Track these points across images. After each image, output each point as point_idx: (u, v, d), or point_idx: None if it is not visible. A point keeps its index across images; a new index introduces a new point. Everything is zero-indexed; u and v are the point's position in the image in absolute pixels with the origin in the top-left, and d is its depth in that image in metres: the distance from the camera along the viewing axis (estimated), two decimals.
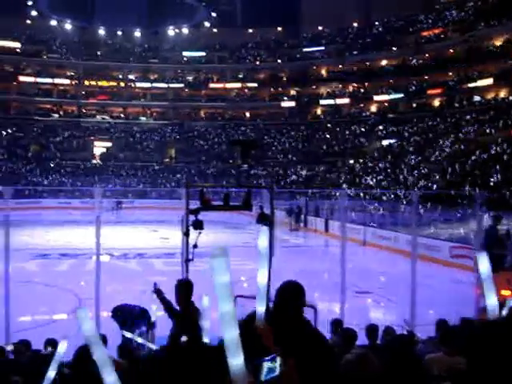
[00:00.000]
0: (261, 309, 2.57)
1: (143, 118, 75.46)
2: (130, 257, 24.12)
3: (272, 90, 74.50)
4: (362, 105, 68.08)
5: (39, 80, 73.11)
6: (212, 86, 76.60)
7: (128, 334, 6.47)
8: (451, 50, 58.58)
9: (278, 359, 2.38)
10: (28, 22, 74.80)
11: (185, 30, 79.09)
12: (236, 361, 2.05)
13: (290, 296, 3.17)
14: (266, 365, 2.41)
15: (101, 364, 2.26)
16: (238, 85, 75.98)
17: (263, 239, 2.58)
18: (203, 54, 77.49)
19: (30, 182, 58.00)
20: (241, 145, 10.30)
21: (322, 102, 71.00)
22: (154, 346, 5.06)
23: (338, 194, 37.99)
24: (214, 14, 79.38)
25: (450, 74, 58.39)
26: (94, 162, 67.38)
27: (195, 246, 8.66)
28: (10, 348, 5.68)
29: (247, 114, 75.57)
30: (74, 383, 3.54)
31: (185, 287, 6.18)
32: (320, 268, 22.89)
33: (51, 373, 3.47)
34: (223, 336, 2.06)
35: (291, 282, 3.31)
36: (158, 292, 6.45)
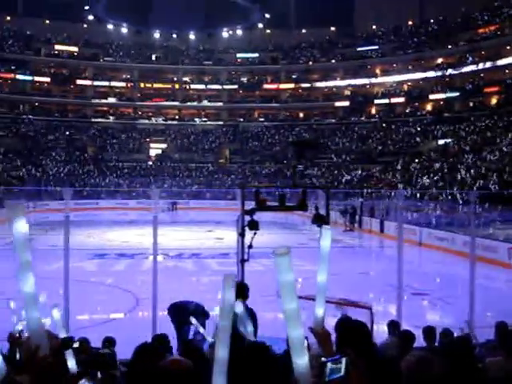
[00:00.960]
0: (320, 311, 2.55)
1: (198, 120, 76.06)
2: (185, 257, 24.32)
3: (326, 90, 74.15)
4: (417, 104, 67.12)
5: (96, 83, 74.53)
6: (266, 86, 76.71)
7: (193, 320, 6.45)
8: (508, 47, 57.20)
9: (344, 360, 2.36)
10: (85, 26, 76.36)
11: (239, 32, 79.44)
12: (301, 360, 2.04)
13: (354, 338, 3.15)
14: (330, 365, 2.39)
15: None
16: (292, 85, 75.88)
17: (326, 240, 2.55)
18: (257, 55, 77.68)
19: (87, 184, 59.06)
20: (302, 146, 10.27)
21: (377, 101, 70.30)
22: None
23: (393, 194, 37.60)
24: (267, 16, 79.46)
25: (507, 71, 57.05)
26: (150, 163, 68.21)
27: (250, 247, 8.66)
28: (76, 345, 5.77)
29: (301, 115, 75.43)
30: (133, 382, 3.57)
31: (239, 288, 6.20)
32: (375, 269, 22.68)
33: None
34: (288, 334, 2.05)
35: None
36: None
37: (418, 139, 61.07)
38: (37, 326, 2.10)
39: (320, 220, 9.17)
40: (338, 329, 3.30)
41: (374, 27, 73.55)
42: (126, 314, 14.63)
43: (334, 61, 73.93)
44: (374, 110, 70.88)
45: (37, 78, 72.09)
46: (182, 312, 8.96)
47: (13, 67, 70.18)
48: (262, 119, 75.79)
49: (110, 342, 7.55)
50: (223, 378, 2.02)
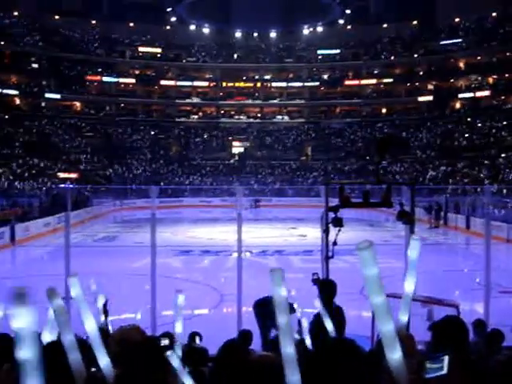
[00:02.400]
0: (404, 318, 2.51)
1: (279, 117, 76.23)
2: (268, 254, 24.41)
3: (408, 84, 72.86)
4: (503, 97, 64.95)
5: (179, 83, 75.82)
6: (347, 83, 76.02)
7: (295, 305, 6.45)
8: None
9: (446, 358, 2.32)
10: (168, 28, 77.78)
11: (319, 28, 79.07)
12: (395, 354, 2.00)
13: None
14: (429, 364, 2.36)
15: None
16: (374, 81, 74.95)
17: (414, 249, 2.52)
18: (338, 51, 77.08)
19: (172, 182, 60.15)
20: (386, 142, 10.13)
21: (461, 95, 68.49)
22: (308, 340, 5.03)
23: (479, 190, 36.56)
24: (348, 11, 78.74)
25: None
26: (232, 161, 68.81)
27: (335, 244, 8.61)
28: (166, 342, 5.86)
29: (383, 110, 74.41)
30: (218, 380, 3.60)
31: (328, 286, 6.18)
32: (461, 266, 22.14)
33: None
34: (379, 329, 2.02)
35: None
36: (318, 281, 6.43)
37: (504, 133, 59.17)
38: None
39: (405, 217, 9.03)
40: (440, 326, 3.22)
41: (456, 20, 71.63)
42: (210, 309, 14.83)
43: (416, 55, 72.53)
44: (458, 105, 69.11)
45: (122, 80, 74.04)
46: (267, 307, 9.01)
47: (99, 70, 72.34)
48: (344, 116, 75.21)
49: (195, 336, 7.65)
50: (297, 374, 2.00)
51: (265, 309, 8.84)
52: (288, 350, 2.01)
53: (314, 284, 6.41)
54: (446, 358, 2.35)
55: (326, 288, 6.14)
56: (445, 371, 2.31)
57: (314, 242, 18.97)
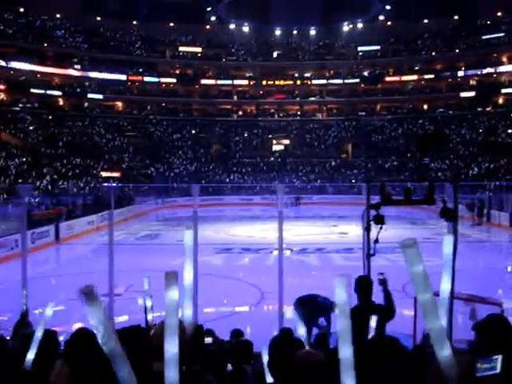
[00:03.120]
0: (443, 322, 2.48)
1: (319, 115, 75.98)
2: (309, 251, 24.37)
3: (450, 80, 71.91)
4: None
5: (219, 82, 76.15)
6: (388, 79, 75.38)
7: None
8: None
9: (500, 358, 2.31)
10: (208, 27, 78.18)
11: (359, 25, 78.53)
12: (445, 351, 2.00)
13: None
14: (480, 364, 2.35)
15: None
16: (415, 77, 74.10)
17: (448, 247, 2.50)
18: (378, 47, 76.54)
19: (212, 180, 60.45)
20: (428, 139, 10.02)
21: (504, 90, 67.32)
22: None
23: None
24: (388, 7, 77.99)
25: None
26: (273, 159, 68.81)
27: (376, 241, 8.57)
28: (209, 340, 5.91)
29: (425, 107, 73.57)
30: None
31: (364, 284, 6.17)
32: (504, 264, 21.81)
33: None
34: (427, 326, 2.02)
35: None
36: (384, 282, 6.43)
37: None
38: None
39: (448, 214, 8.93)
40: (484, 326, 3.20)
41: (498, 14, 70.38)
42: (251, 307, 14.88)
43: (457, 50, 71.50)
44: (501, 100, 67.96)
45: (163, 80, 74.68)
46: (310, 306, 9.01)
47: (140, 70, 73.10)
48: (385, 112, 74.62)
49: (238, 333, 7.69)
50: (352, 378, 2.01)
51: (307, 307, 8.85)
52: (346, 353, 2.02)
53: (380, 284, 6.35)
54: (500, 358, 2.34)
55: (364, 284, 6.15)
56: (498, 370, 2.30)
57: (354, 240, 18.91)
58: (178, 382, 2.02)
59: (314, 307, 8.85)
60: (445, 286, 2.51)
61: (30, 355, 3.41)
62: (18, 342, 4.34)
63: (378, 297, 6.32)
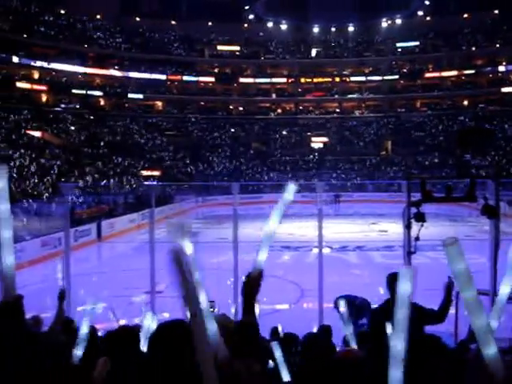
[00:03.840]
0: (494, 324, 2.45)
1: (358, 112, 75.50)
2: (349, 249, 24.30)
3: (491, 75, 70.76)
4: None
5: (258, 80, 76.22)
6: (427, 75, 74.47)
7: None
8: None
9: None
10: (245, 25, 78.33)
11: (398, 21, 77.74)
12: (490, 349, 1.98)
13: None
14: None
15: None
16: (455, 72, 73.08)
17: None
18: (417, 43, 75.69)
19: (252, 178, 60.56)
20: (468, 134, 9.94)
21: None
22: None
23: None
24: (426, 2, 77.04)
25: None
26: (312, 156, 68.63)
27: (417, 239, 8.51)
28: None
29: (465, 102, 72.53)
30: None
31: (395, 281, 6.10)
32: None
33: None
34: (472, 324, 2.01)
35: None
36: (450, 286, 6.22)
37: None
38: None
39: (489, 211, 8.83)
40: None
41: None
42: (290, 305, 14.92)
43: (498, 45, 70.27)
44: None
45: (201, 79, 75.03)
46: (349, 306, 9.00)
47: (179, 69, 73.59)
48: (425, 109, 73.80)
49: (277, 332, 7.72)
50: (400, 371, 2.02)
51: (347, 305, 8.84)
52: (398, 345, 2.03)
53: (446, 288, 6.08)
54: None
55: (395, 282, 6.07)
56: None
57: (394, 238, 18.79)
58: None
59: (352, 307, 8.85)
60: (504, 289, 2.46)
61: (78, 351, 3.48)
62: (64, 338, 4.43)
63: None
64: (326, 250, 18.43)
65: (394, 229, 26.55)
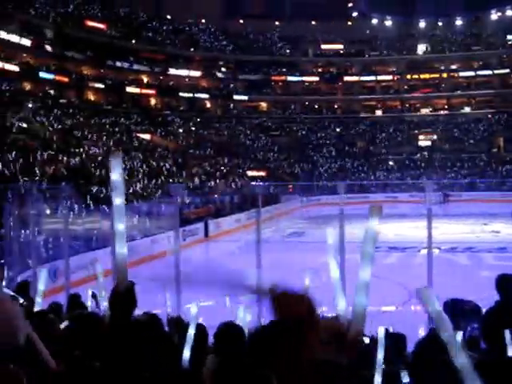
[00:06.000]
0: None
1: (468, 109, 73.19)
2: (458, 250, 23.64)
3: None
4: None
5: (362, 78, 75.40)
6: None
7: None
8: None
9: None
10: (349, 23, 77.73)
11: (508, 12, 74.65)
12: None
13: None
14: None
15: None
16: None
17: None
18: None
19: (357, 178, 60.03)
20: None
21: None
22: None
23: None
24: None
25: None
26: (419, 155, 67.22)
27: None
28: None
29: None
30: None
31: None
32: None
33: None
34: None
35: None
36: None
37: None
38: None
39: None
40: None
41: None
42: (397, 306, 14.66)
43: None
44: None
45: (305, 78, 75.08)
46: (456, 310, 8.74)
47: (283, 69, 73.95)
48: None
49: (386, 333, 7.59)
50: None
51: (457, 308, 8.60)
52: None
53: None
54: None
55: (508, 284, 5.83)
56: None
57: (508, 239, 18.16)
58: None
59: (460, 312, 8.57)
60: None
61: (186, 353, 3.52)
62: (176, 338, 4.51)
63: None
64: (434, 251, 18.02)
65: (507, 229, 25.63)
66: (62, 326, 4.22)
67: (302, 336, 1.70)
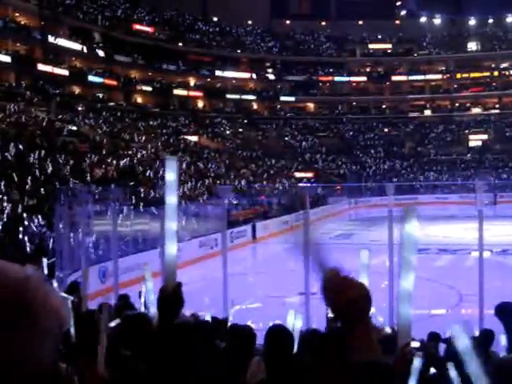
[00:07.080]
0: None
1: None
2: (510, 253, 23.16)
3: None
4: None
5: (411, 78, 74.51)
6: None
7: None
8: None
9: None
10: (397, 22, 76.99)
11: None
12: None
13: None
14: None
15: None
16: None
17: None
18: None
19: (406, 179, 59.35)
20: None
21: None
22: None
23: None
24: None
25: None
26: (470, 155, 66.13)
27: None
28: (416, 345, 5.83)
29: None
30: None
31: None
32: None
33: None
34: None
35: None
36: None
37: None
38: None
39: None
40: None
41: None
42: (448, 310, 14.43)
43: None
44: None
45: (353, 78, 74.61)
46: (508, 313, 8.54)
47: (330, 70, 73.63)
48: None
49: (436, 337, 7.51)
50: None
51: (509, 312, 8.40)
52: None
53: None
54: None
55: None
56: None
57: None
58: None
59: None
60: None
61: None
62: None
63: None
64: (486, 254, 17.68)
65: None
66: (112, 325, 4.27)
67: (351, 329, 1.66)
